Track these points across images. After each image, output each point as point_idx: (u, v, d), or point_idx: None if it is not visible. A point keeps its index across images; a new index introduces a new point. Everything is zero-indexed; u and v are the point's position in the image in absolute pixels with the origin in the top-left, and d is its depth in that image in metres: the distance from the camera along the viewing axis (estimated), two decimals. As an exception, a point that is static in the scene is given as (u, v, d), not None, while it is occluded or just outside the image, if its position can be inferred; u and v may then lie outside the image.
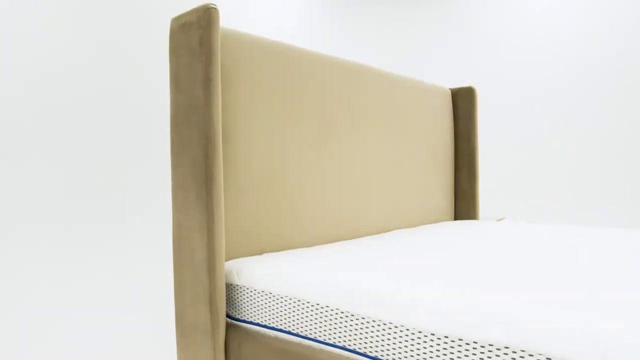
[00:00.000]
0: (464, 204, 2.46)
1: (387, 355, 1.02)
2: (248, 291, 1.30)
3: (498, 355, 0.88)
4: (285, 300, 1.21)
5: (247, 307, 1.30)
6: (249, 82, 1.50)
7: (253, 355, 1.24)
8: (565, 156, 3.69)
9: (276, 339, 1.21)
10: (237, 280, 1.33)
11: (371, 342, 1.04)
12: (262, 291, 1.27)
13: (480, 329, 0.90)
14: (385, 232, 2.01)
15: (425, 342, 0.96)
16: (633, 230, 1.82)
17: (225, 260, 1.43)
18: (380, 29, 4.36)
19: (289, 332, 1.20)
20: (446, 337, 0.94)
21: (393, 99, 2.09)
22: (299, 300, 1.19)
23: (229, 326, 1.32)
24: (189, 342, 1.35)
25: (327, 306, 1.13)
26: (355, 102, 1.89)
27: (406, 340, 0.99)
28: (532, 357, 0.84)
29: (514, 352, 0.86)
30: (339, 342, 1.10)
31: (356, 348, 1.07)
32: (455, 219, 2.50)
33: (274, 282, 1.25)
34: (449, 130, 2.48)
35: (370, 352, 1.05)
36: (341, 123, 1.83)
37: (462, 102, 2.51)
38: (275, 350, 1.18)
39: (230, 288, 1.35)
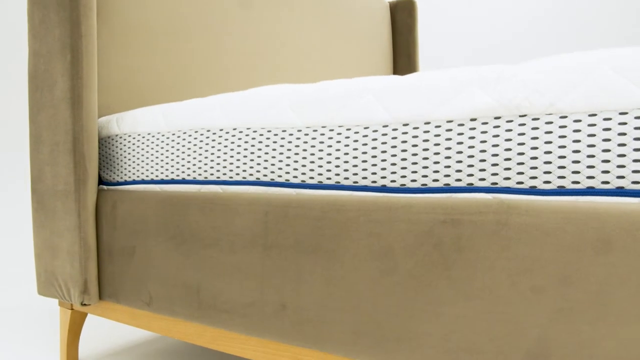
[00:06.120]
0: (405, 124, 2.19)
1: (320, 175, 0.70)
2: (130, 139, 0.95)
3: (485, 132, 0.58)
4: (178, 137, 0.87)
5: (126, 163, 0.95)
6: None
7: (132, 218, 0.88)
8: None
9: (162, 192, 0.86)
10: (116, 129, 0.98)
11: (295, 162, 0.72)
12: (148, 134, 0.92)
13: (457, 100, 0.60)
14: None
15: (375, 139, 0.66)
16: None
17: (102, 116, 1.06)
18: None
19: (181, 181, 0.86)
20: (406, 124, 0.64)
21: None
22: (195, 132, 0.85)
23: (101, 192, 0.96)
24: (47, 213, 0.97)
25: (234, 129, 0.80)
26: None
27: (346, 145, 0.68)
28: (537, 120, 0.55)
29: (509, 120, 0.57)
30: (250, 176, 0.77)
31: (274, 178, 0.75)
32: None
33: (164, 119, 0.90)
34: (387, 46, 2.21)
35: (295, 177, 0.73)
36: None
37: (401, 16, 2.26)
38: (163, 205, 0.84)
39: (105, 144, 0.99)
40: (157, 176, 0.91)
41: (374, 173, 0.66)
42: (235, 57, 1.37)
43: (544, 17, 3.42)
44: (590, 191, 0.52)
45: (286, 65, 1.56)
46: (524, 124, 0.56)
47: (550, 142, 0.54)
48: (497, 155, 0.57)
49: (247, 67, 1.41)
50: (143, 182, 0.93)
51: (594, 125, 0.52)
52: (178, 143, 0.87)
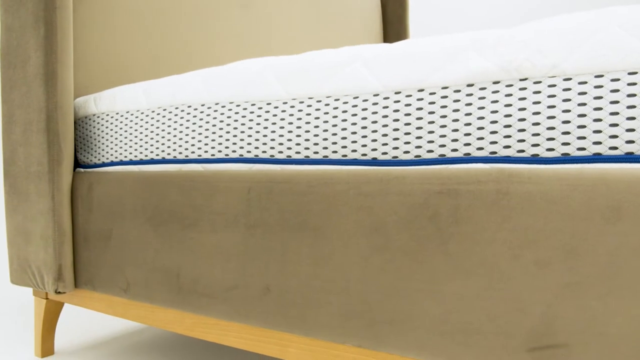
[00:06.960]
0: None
1: (307, 149, 0.66)
2: (108, 118, 0.90)
3: (483, 98, 0.54)
4: (158, 115, 0.82)
5: (104, 144, 0.90)
6: None
7: (109, 200, 0.84)
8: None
9: (141, 172, 0.82)
10: (94, 108, 0.93)
11: (280, 136, 0.68)
12: (127, 112, 0.87)
13: (453, 65, 0.56)
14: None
15: (364, 109, 0.61)
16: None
17: (79, 97, 1.01)
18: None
19: (161, 161, 0.81)
20: (397, 93, 0.60)
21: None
22: (176, 108, 0.80)
23: (77, 174, 0.91)
24: (20, 197, 0.92)
25: (217, 104, 0.75)
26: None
27: (334, 117, 0.64)
28: (539, 84, 0.51)
29: (509, 85, 0.53)
30: (233, 152, 0.73)
31: (258, 154, 0.70)
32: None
33: (145, 96, 0.85)
34: (378, 36, 2.18)
35: (280, 152, 0.68)
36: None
37: (392, 7, 2.22)
38: (141, 185, 0.79)
39: (82, 125, 0.94)
40: (135, 156, 0.86)
41: (364, 145, 0.62)
42: (221, 40, 1.32)
43: (540, 11, 3.41)
44: (598, 158, 0.48)
45: (275, 53, 1.52)
46: (524, 88, 0.52)
47: (553, 107, 0.50)
48: (496, 122, 0.53)
49: (233, 51, 1.36)
50: (121, 163, 0.88)
51: (601, 86, 0.48)
52: (158, 121, 0.82)
